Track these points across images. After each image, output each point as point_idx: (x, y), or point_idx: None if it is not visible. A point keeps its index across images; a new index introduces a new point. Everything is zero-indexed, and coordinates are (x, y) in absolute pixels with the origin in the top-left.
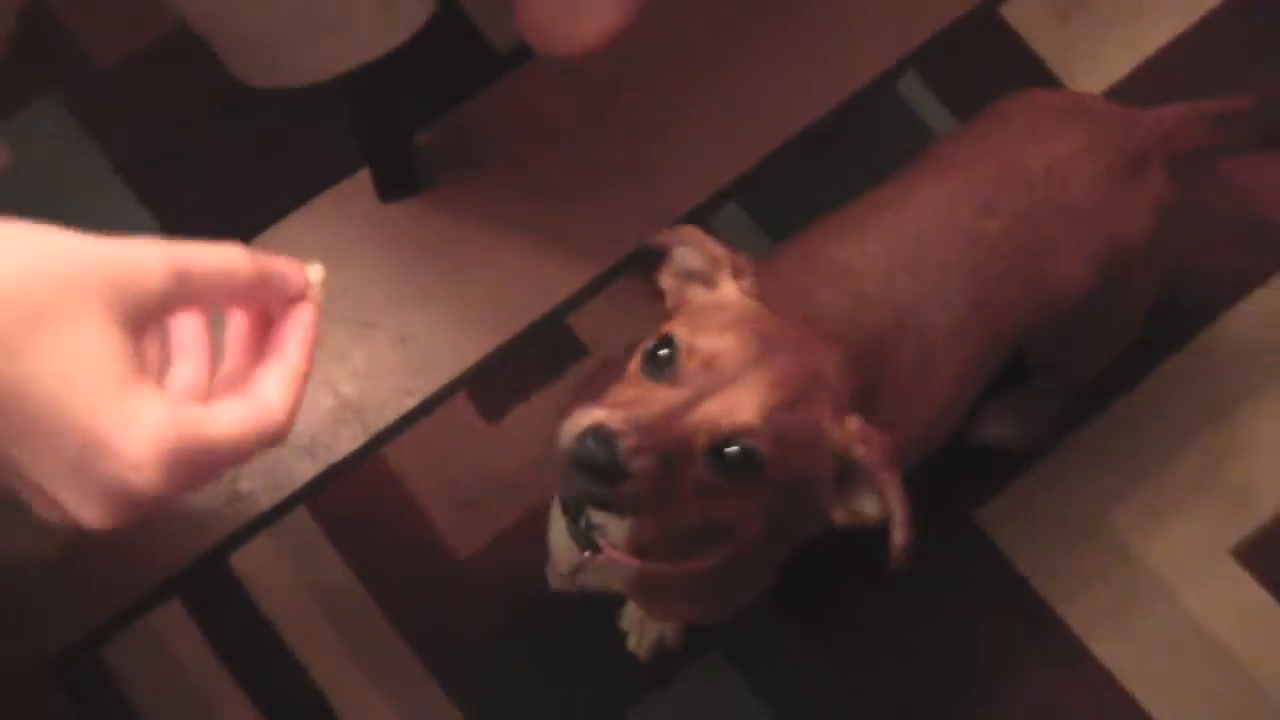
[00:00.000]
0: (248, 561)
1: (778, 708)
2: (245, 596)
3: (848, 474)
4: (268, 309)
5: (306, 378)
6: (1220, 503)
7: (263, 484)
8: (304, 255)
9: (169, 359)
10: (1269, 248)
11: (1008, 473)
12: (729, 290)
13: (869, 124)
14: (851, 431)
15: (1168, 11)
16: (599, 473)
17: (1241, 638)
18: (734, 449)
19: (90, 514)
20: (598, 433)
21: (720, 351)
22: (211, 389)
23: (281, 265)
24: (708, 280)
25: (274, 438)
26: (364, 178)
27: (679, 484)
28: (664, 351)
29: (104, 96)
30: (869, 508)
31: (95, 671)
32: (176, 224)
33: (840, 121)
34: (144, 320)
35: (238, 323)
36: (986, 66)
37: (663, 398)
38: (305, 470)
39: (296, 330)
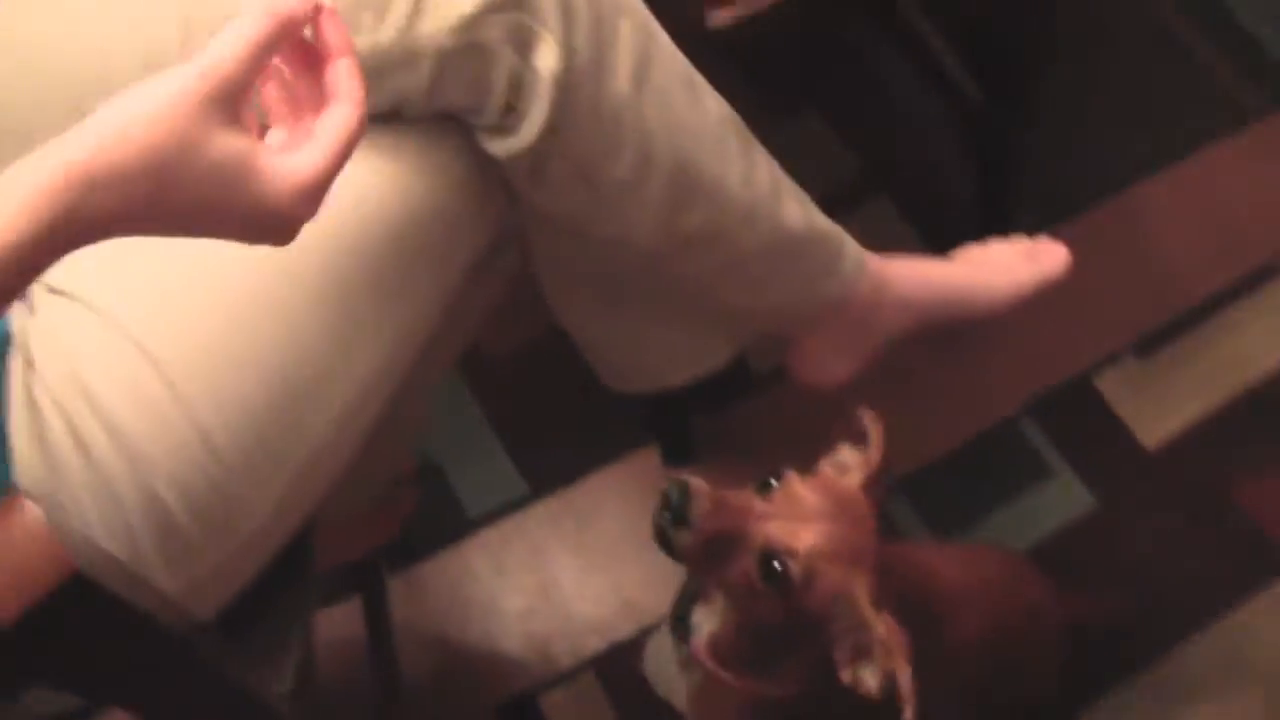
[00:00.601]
0: (551, 703)
1: None
2: None
3: (864, 650)
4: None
5: (356, 56)
6: None
7: (565, 648)
8: (611, 499)
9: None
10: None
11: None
12: (852, 475)
13: (999, 456)
14: (882, 617)
15: (1216, 387)
16: (669, 511)
17: None
18: (776, 562)
19: (268, 243)
20: (684, 486)
21: (806, 499)
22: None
23: None
24: (844, 468)
25: (362, 126)
26: (654, 449)
27: (727, 564)
28: (772, 480)
29: (491, 376)
30: (870, 679)
31: None
32: (528, 464)
33: (979, 448)
34: (239, 106)
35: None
36: (1083, 421)
37: (750, 502)
38: (595, 645)
39: (330, 31)
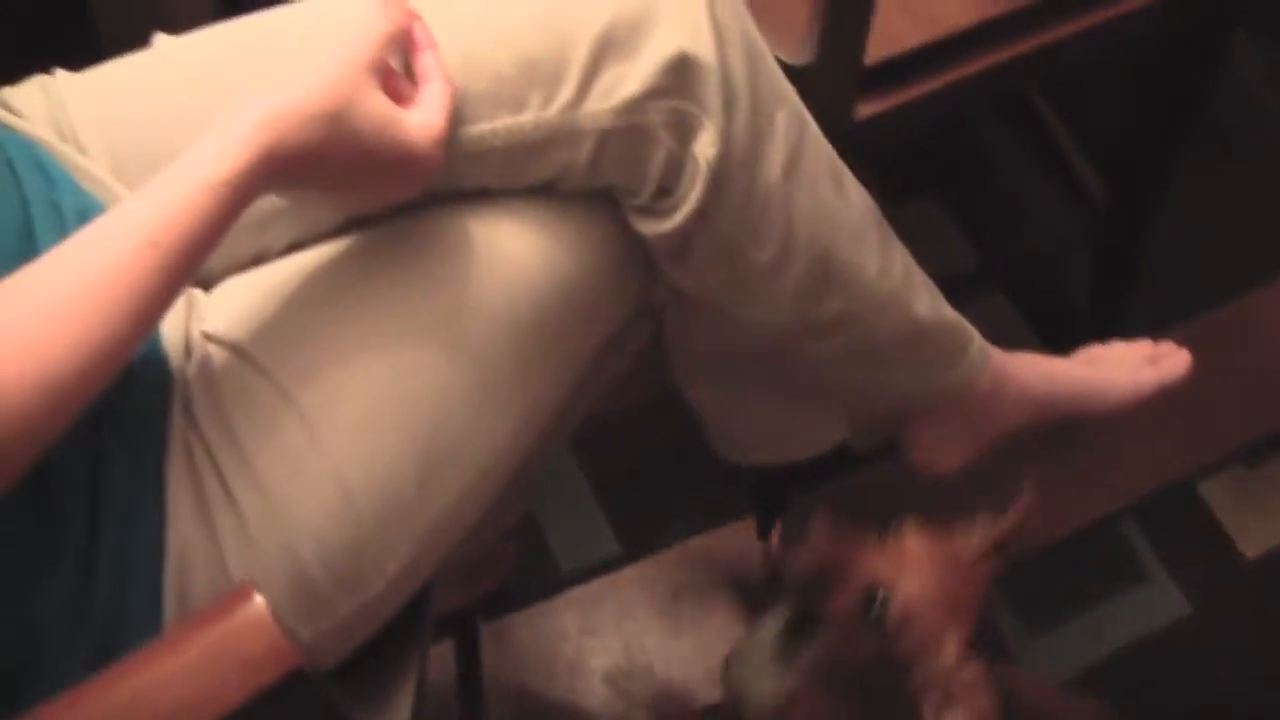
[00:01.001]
0: None
1: None
2: None
3: (951, 698)
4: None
5: (435, 48)
6: None
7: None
8: (705, 567)
9: None
10: None
11: None
12: (974, 535)
13: (1097, 554)
14: (968, 665)
15: None
16: (788, 522)
17: None
18: (878, 600)
19: (408, 194)
20: (807, 510)
21: (917, 547)
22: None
23: None
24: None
25: (454, 97)
26: (750, 521)
27: (830, 596)
28: (890, 531)
29: (593, 435)
30: None
31: None
32: (624, 525)
33: (1077, 544)
34: (382, 72)
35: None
36: (1185, 526)
37: (863, 541)
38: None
39: (421, 32)
